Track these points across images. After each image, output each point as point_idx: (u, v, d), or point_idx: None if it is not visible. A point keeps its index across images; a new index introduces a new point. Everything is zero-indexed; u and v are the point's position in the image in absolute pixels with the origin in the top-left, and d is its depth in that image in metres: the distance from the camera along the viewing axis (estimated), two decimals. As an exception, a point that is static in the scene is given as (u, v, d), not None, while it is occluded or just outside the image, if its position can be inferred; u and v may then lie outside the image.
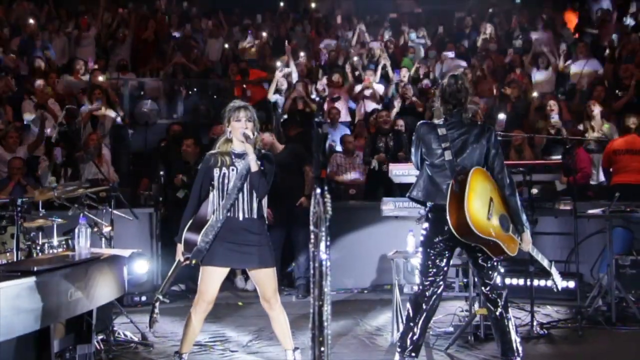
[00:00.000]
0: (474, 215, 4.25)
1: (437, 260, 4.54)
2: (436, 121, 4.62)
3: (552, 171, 6.95)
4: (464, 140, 4.51)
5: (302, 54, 12.64)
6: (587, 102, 9.70)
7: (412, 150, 4.76)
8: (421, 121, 4.77)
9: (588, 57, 11.33)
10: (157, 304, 4.92)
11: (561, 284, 5.21)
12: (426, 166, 4.60)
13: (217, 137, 4.84)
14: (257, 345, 5.91)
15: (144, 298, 7.47)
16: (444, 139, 4.50)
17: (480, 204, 4.32)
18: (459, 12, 14.86)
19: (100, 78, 10.79)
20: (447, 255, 4.57)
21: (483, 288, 4.63)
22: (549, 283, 6.70)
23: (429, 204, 4.56)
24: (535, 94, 10.79)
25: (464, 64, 12.22)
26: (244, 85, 11.71)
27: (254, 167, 4.53)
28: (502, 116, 9.57)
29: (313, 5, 15.46)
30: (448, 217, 4.32)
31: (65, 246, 6.08)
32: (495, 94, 11.02)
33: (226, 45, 13.73)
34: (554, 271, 5.08)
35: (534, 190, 6.96)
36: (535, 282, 6.56)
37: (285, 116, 10.54)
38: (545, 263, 4.96)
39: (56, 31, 12.77)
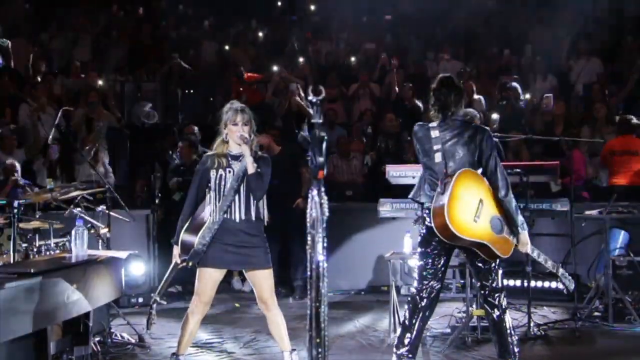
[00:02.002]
0: (454, 218, 4.24)
1: (435, 262, 4.54)
2: (431, 123, 4.60)
3: (548, 172, 6.94)
4: (456, 142, 4.50)
5: (300, 59, 12.63)
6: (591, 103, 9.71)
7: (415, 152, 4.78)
8: (417, 123, 4.74)
9: (589, 56, 11.29)
10: (154, 306, 4.92)
11: (572, 285, 5.07)
12: (425, 169, 4.60)
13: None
14: (254, 346, 5.91)
15: (140, 300, 7.46)
16: (436, 140, 4.49)
17: (463, 206, 4.30)
18: (457, 13, 14.82)
19: (100, 82, 10.82)
20: (444, 256, 4.57)
21: (481, 289, 4.63)
22: (560, 285, 6.67)
23: (426, 205, 4.56)
24: (527, 96, 10.79)
25: (460, 65, 12.20)
26: (240, 89, 11.70)
27: (251, 169, 4.53)
28: (495, 116, 9.56)
29: (312, 7, 15.44)
30: (432, 220, 4.33)
31: (62, 248, 6.07)
32: (496, 95, 10.99)
33: (227, 47, 13.72)
34: (561, 273, 4.99)
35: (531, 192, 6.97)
36: (533, 283, 6.57)
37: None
38: (549, 264, 4.89)
39: (54, 33, 12.76)
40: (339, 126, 10.75)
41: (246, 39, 13.96)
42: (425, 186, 4.55)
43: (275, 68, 11.87)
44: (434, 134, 4.51)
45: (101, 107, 10.14)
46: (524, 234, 4.59)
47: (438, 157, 4.45)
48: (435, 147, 4.47)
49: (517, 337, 4.68)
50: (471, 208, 4.34)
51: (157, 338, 6.15)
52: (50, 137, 8.52)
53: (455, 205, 4.27)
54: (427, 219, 4.53)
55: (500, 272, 4.63)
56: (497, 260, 4.56)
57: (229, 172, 4.60)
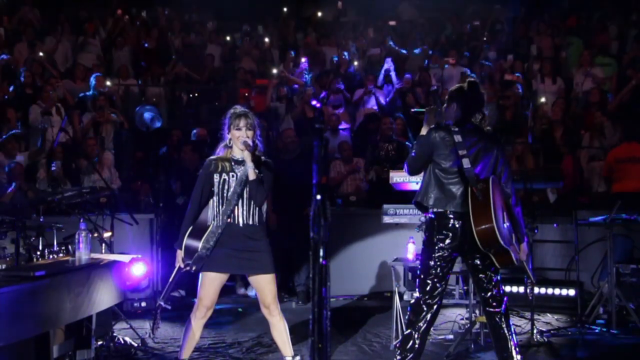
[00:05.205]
0: (498, 224, 4.26)
1: (438, 268, 4.52)
2: (452, 127, 4.53)
3: (552, 179, 6.94)
4: (478, 149, 4.49)
5: (303, 59, 12.65)
6: (593, 111, 9.67)
7: (415, 155, 4.67)
8: (433, 126, 4.68)
9: (591, 66, 11.26)
10: (159, 311, 4.93)
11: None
12: (436, 172, 4.54)
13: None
14: (257, 351, 5.91)
15: (143, 304, 7.46)
16: (460, 145, 4.43)
17: (497, 212, 4.33)
18: (460, 19, 14.84)
19: (108, 83, 10.90)
20: (448, 262, 4.55)
21: (483, 295, 4.62)
22: (563, 292, 7.12)
23: (435, 210, 4.53)
24: (543, 99, 10.77)
25: (464, 70, 12.17)
26: (246, 94, 11.72)
27: (252, 176, 4.54)
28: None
29: (319, 14, 15.49)
30: (473, 226, 4.29)
31: (65, 252, 6.08)
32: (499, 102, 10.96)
33: (232, 52, 13.76)
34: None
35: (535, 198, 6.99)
36: (536, 290, 6.56)
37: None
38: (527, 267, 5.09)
39: (59, 37, 12.81)
40: (343, 131, 10.75)
41: (252, 44, 14.00)
42: (438, 191, 4.51)
43: (274, 71, 11.89)
44: (457, 138, 4.46)
45: (108, 111, 10.19)
46: (525, 242, 4.65)
47: (466, 163, 4.39)
48: (461, 153, 4.42)
49: (519, 344, 4.67)
50: (502, 215, 4.37)
51: (159, 342, 6.15)
52: (57, 140, 8.58)
53: (497, 211, 4.28)
54: (437, 224, 4.49)
55: (501, 278, 4.64)
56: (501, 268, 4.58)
57: (233, 176, 4.60)
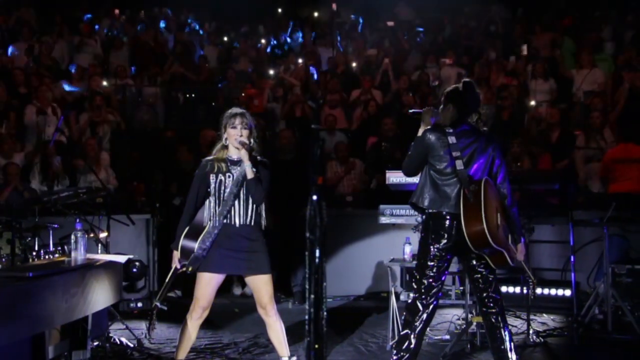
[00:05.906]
0: (490, 226, 4.26)
1: (434, 268, 4.52)
2: (447, 128, 4.54)
3: (548, 180, 6.95)
4: (472, 150, 4.50)
5: (299, 60, 12.65)
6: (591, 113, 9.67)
7: (411, 155, 4.67)
8: (429, 128, 4.66)
9: (591, 67, 11.26)
10: (155, 311, 4.92)
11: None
12: (431, 173, 4.55)
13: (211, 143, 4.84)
14: (254, 352, 5.90)
15: (139, 304, 7.44)
16: (455, 147, 4.44)
17: (491, 214, 4.33)
18: (458, 19, 14.85)
19: (105, 83, 10.90)
20: (444, 262, 4.56)
21: (479, 295, 4.63)
22: (560, 292, 7.23)
23: (430, 211, 4.54)
24: (533, 102, 10.77)
25: (462, 71, 12.18)
26: (243, 95, 11.72)
27: (250, 174, 4.54)
28: None
29: (316, 14, 15.50)
30: (463, 227, 4.30)
31: (61, 252, 6.07)
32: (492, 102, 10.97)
33: (228, 52, 13.76)
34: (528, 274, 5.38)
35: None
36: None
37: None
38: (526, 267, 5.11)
39: (56, 37, 12.81)
40: (339, 132, 10.75)
41: (249, 44, 14.00)
42: (434, 193, 4.52)
43: (271, 72, 11.90)
44: (451, 139, 4.46)
45: (105, 111, 10.18)
46: (522, 243, 4.64)
47: (459, 165, 4.40)
48: (454, 154, 4.43)
49: (515, 345, 4.67)
50: (495, 216, 4.37)
51: (156, 343, 6.14)
52: (53, 139, 8.55)
53: (489, 213, 4.28)
54: (432, 224, 4.50)
55: (497, 278, 4.65)
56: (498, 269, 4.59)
57: (229, 177, 4.60)
